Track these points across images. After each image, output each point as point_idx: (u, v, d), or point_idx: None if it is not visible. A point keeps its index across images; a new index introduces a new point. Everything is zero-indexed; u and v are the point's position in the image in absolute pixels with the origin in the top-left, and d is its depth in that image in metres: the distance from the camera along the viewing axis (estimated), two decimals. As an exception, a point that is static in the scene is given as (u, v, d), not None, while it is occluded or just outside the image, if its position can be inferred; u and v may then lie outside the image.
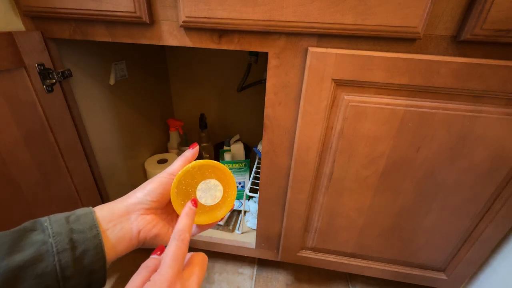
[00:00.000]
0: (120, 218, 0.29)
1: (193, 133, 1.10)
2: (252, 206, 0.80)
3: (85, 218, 0.27)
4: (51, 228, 0.25)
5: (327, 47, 0.42)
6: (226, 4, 0.40)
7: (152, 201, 0.31)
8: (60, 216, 0.26)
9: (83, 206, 0.65)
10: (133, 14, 0.43)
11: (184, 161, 0.33)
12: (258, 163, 0.86)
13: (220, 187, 0.33)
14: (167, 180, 0.31)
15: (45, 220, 0.26)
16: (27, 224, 0.25)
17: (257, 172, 0.81)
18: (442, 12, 0.38)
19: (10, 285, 0.22)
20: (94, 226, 0.27)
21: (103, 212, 0.29)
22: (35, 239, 0.24)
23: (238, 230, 0.77)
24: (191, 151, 0.34)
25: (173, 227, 0.33)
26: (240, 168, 0.85)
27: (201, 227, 0.35)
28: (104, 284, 0.27)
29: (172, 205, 0.33)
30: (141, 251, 0.89)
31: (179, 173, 0.31)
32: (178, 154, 1.00)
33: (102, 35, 0.48)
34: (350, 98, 0.44)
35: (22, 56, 0.45)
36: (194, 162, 0.32)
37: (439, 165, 0.48)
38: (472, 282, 0.65)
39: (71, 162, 0.57)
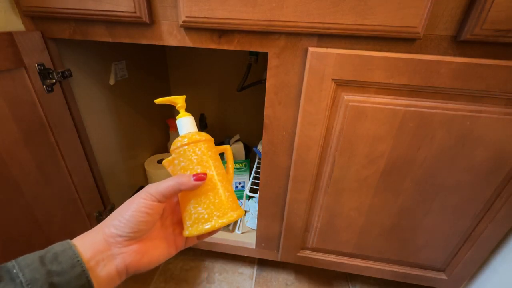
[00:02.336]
0: (101, 254, 0.25)
1: (193, 133, 1.09)
2: (252, 206, 0.80)
3: (64, 256, 0.23)
4: (23, 274, 0.21)
5: (327, 47, 0.42)
6: (226, 4, 0.40)
7: (132, 232, 0.26)
8: (32, 258, 0.22)
9: (83, 206, 0.64)
10: (133, 14, 0.43)
11: (174, 188, 0.27)
12: (258, 163, 0.86)
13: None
14: (148, 203, 0.26)
15: (12, 266, 0.21)
16: None
17: (257, 172, 0.81)
18: (442, 12, 0.38)
19: None
20: (77, 263, 0.23)
21: (85, 246, 0.25)
22: None
23: (238, 230, 0.77)
24: (191, 184, 0.28)
25: (168, 243, 0.30)
26: (240, 168, 0.85)
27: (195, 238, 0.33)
28: None
29: (166, 221, 0.31)
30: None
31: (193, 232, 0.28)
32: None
33: (102, 35, 0.48)
34: (350, 98, 0.44)
35: (22, 56, 0.45)
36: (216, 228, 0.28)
37: (439, 165, 0.48)
38: (472, 282, 0.65)
39: (71, 162, 0.57)
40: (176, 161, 0.31)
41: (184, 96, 0.34)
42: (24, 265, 0.22)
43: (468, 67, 0.39)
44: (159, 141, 1.04)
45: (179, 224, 0.32)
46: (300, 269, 0.81)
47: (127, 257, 0.26)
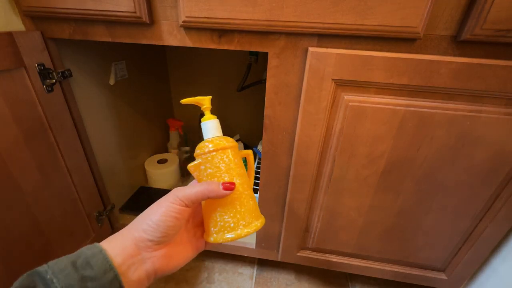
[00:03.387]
0: (132, 259, 0.25)
1: (193, 133, 1.10)
2: (252, 206, 0.80)
3: (96, 260, 0.23)
4: (57, 280, 0.21)
5: (327, 47, 0.42)
6: (226, 4, 0.40)
7: (161, 237, 0.26)
8: (64, 263, 0.22)
9: (83, 206, 0.64)
10: (133, 14, 0.43)
11: (202, 194, 0.27)
12: (258, 163, 0.86)
13: None
14: (176, 208, 0.27)
15: (46, 272, 0.21)
16: (23, 279, 0.21)
17: (257, 172, 0.81)
18: (442, 12, 0.38)
19: None
20: (109, 268, 0.23)
21: (115, 250, 0.25)
22: None
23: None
24: (221, 193, 0.28)
25: (191, 246, 0.31)
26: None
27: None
28: None
29: (188, 225, 0.31)
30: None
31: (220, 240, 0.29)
32: (178, 154, 1.00)
33: (102, 35, 0.48)
34: (350, 98, 0.44)
35: (22, 56, 0.45)
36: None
37: (439, 165, 0.48)
38: (472, 282, 0.65)
39: (71, 162, 0.57)
40: (202, 167, 0.31)
41: (210, 97, 0.34)
42: (58, 270, 0.21)
43: (468, 67, 0.39)
44: (159, 141, 1.04)
45: (200, 226, 0.33)
46: (300, 269, 0.81)
47: (156, 261, 0.26)
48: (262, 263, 0.83)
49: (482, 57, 0.39)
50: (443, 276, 0.63)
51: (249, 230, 0.29)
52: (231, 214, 0.29)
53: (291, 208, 0.58)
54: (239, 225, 0.29)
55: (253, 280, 0.78)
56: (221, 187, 0.28)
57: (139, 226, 0.26)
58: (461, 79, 0.40)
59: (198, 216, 0.33)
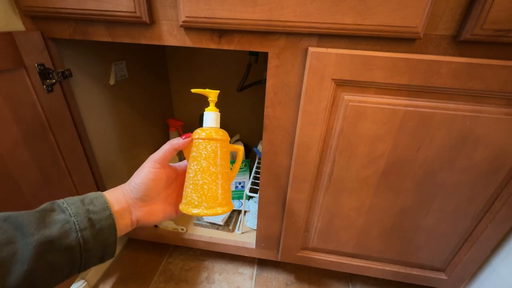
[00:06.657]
0: (124, 210, 0.33)
1: (193, 133, 1.10)
2: (252, 206, 0.80)
3: (98, 201, 0.31)
4: (70, 209, 0.28)
5: (327, 47, 0.42)
6: (226, 4, 0.40)
7: (144, 195, 0.34)
8: (75, 199, 0.30)
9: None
10: (133, 14, 0.43)
11: (169, 150, 0.34)
12: (258, 163, 0.86)
13: None
14: (152, 170, 0.33)
15: (62, 203, 0.29)
16: (46, 205, 0.29)
17: (257, 172, 0.81)
18: (442, 12, 0.38)
19: (43, 255, 0.25)
20: (107, 208, 0.30)
21: (112, 198, 0.32)
22: (58, 218, 0.27)
23: (238, 230, 0.77)
24: (181, 142, 0.35)
25: (171, 209, 0.38)
26: (240, 168, 0.85)
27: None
28: (114, 255, 0.32)
29: (167, 192, 0.37)
30: (140, 255, 0.88)
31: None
32: (178, 154, 1.00)
33: (102, 35, 0.48)
34: (350, 98, 0.44)
35: (22, 56, 0.45)
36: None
37: (439, 165, 0.48)
38: (472, 282, 0.65)
39: (71, 162, 0.57)
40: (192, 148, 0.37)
41: (218, 91, 0.38)
42: (70, 202, 0.29)
43: (468, 67, 0.39)
44: (159, 141, 1.04)
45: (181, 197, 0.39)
46: (300, 269, 0.81)
47: (139, 214, 0.34)
48: (262, 263, 0.83)
49: (482, 57, 0.39)
50: (443, 276, 0.63)
51: (208, 212, 0.34)
52: (198, 194, 0.34)
53: (291, 208, 0.58)
54: (202, 205, 0.34)
55: (253, 280, 0.78)
56: (181, 138, 0.35)
57: (127, 186, 0.34)
58: (461, 79, 0.40)
59: (181, 188, 0.39)
